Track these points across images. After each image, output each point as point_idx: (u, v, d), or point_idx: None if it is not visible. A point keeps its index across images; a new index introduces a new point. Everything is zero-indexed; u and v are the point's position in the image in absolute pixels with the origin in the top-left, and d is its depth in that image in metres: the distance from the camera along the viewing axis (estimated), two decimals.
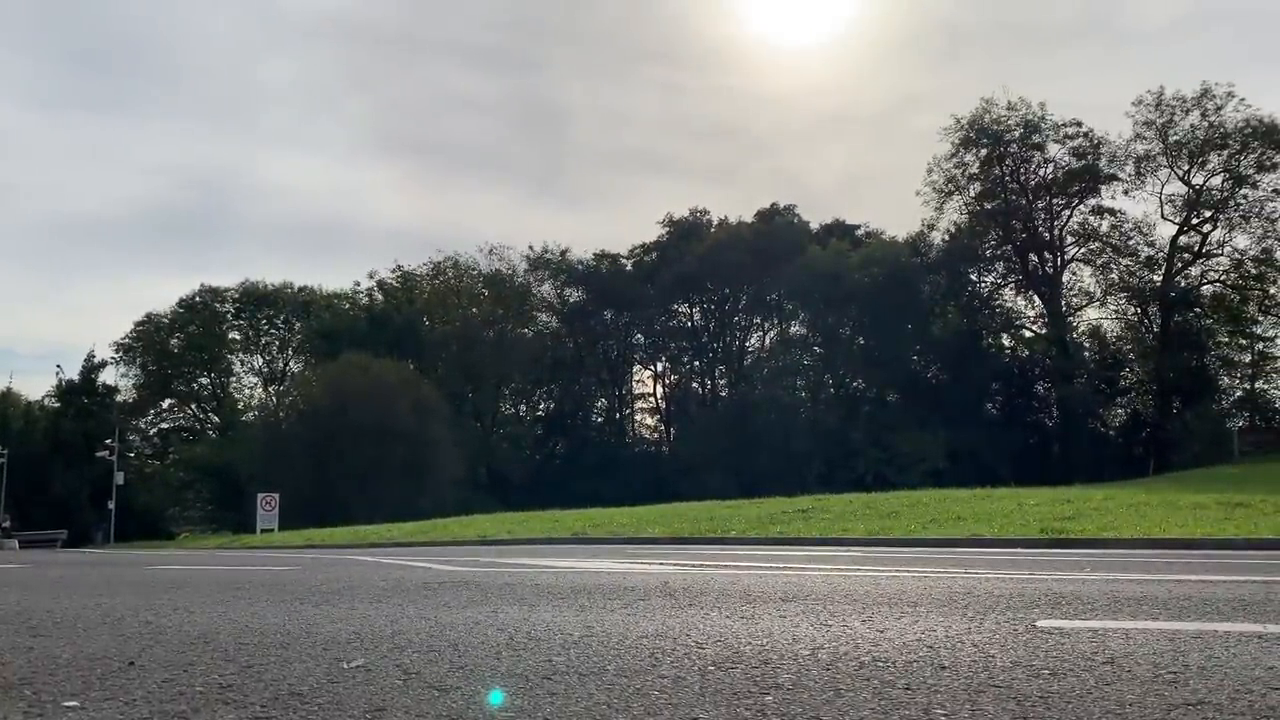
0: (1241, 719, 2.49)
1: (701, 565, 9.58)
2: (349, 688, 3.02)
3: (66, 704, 2.87)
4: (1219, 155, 52.99)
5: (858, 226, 67.41)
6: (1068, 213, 57.95)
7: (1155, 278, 56.35)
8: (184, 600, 6.27)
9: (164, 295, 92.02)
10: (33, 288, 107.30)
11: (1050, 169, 57.29)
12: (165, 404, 71.98)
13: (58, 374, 63.40)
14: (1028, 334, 60.87)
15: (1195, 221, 55.00)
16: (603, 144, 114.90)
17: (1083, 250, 58.37)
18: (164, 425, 72.64)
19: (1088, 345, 59.61)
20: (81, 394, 62.02)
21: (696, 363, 69.54)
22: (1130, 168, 55.34)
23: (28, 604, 6.21)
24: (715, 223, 68.04)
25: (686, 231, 67.16)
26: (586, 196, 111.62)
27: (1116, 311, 59.56)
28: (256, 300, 71.17)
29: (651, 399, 71.49)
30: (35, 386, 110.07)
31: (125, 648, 3.99)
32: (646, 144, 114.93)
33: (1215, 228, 54.74)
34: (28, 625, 4.89)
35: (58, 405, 62.67)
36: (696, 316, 68.76)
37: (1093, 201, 57.19)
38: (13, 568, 12.73)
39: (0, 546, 38.78)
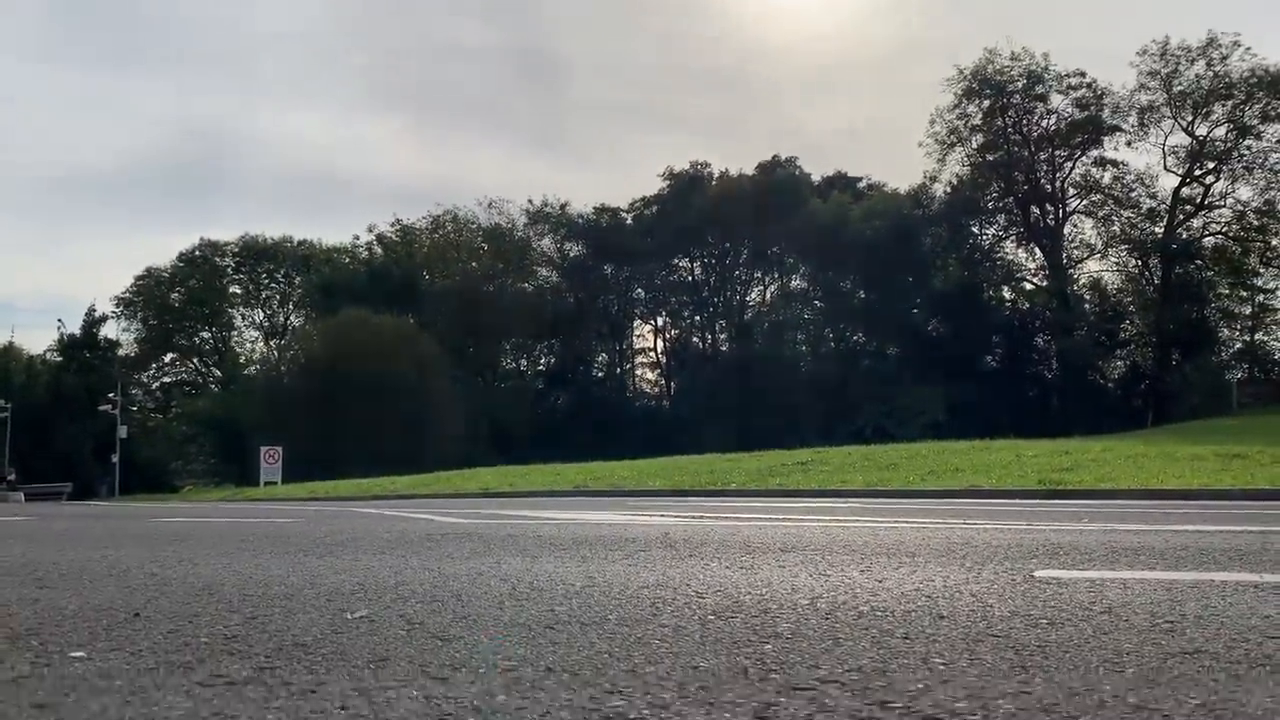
0: (1238, 667, 2.51)
1: (701, 517, 9.64)
2: (353, 638, 3.05)
3: (73, 654, 2.90)
4: (1223, 106, 52.54)
5: (859, 179, 67.03)
6: (1070, 164, 57.62)
7: (1157, 230, 56.13)
8: (188, 552, 6.32)
9: (164, 249, 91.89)
10: (33, 242, 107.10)
11: (1053, 120, 56.90)
12: (167, 358, 72.14)
13: (59, 328, 63.54)
14: (1028, 287, 60.82)
15: (1198, 173, 54.67)
16: (602, 96, 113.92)
17: (1084, 202, 58.16)
18: (166, 379, 72.86)
19: (1088, 298, 59.53)
20: (83, 348, 62.10)
21: (697, 317, 69.44)
22: (1133, 119, 54.98)
23: (33, 556, 6.26)
24: (716, 176, 67.55)
25: (687, 185, 66.69)
26: (586, 149, 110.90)
27: (1117, 264, 59.51)
28: (256, 254, 71.01)
29: (652, 353, 71.58)
30: (37, 341, 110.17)
31: (131, 599, 4.02)
32: (647, 96, 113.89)
33: (1218, 179, 54.49)
34: (34, 577, 4.93)
35: (60, 359, 62.80)
36: (697, 271, 68.54)
37: (1095, 153, 56.90)
38: (18, 520, 12.82)
39: (5, 499, 39.04)
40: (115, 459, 51.07)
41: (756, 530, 7.39)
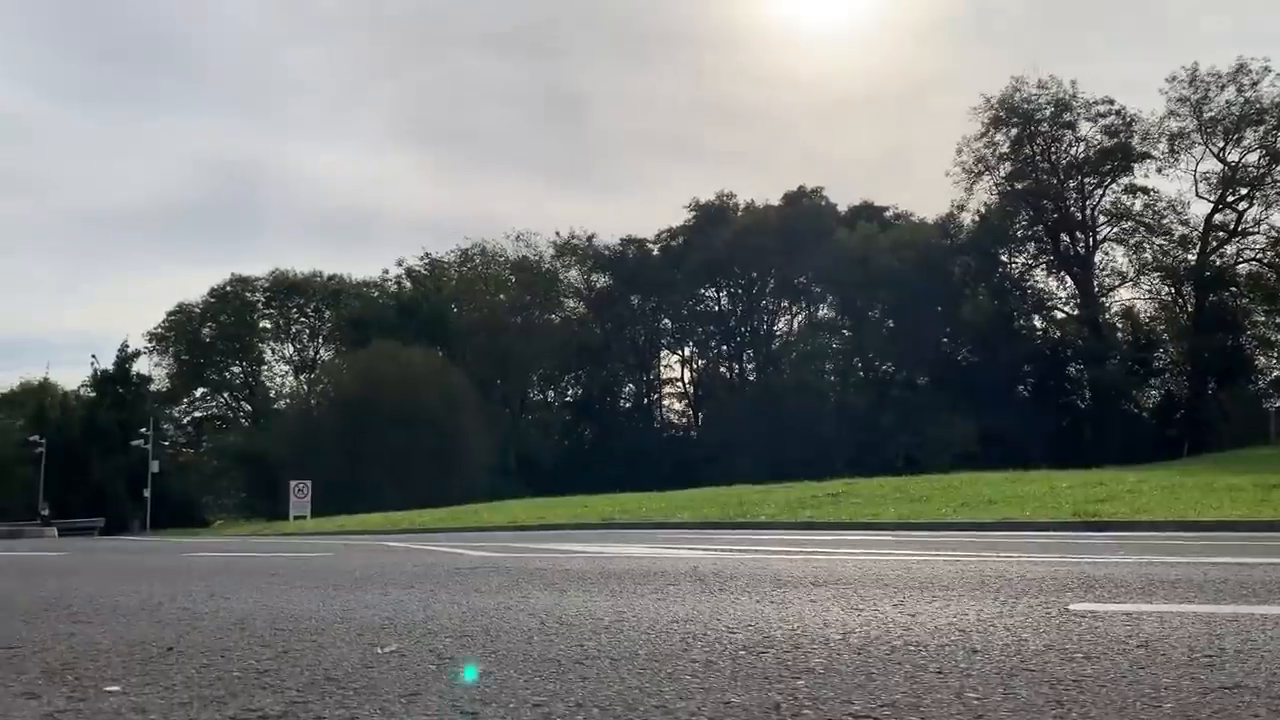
0: (1279, 703, 2.47)
1: (731, 550, 9.59)
2: (384, 672, 3.06)
3: (108, 689, 2.92)
4: (1255, 131, 52.13)
5: (886, 208, 66.87)
6: (1100, 192, 57.29)
7: (1189, 257, 55.62)
8: (219, 587, 6.35)
9: (196, 285, 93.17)
10: (67, 279, 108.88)
11: (1082, 147, 56.67)
12: (198, 393, 72.87)
13: (92, 364, 64.33)
14: (1059, 315, 60.29)
15: (1231, 199, 54.17)
16: (628, 129, 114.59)
17: (1115, 230, 57.72)
18: (197, 414, 73.56)
19: (1121, 326, 58.96)
20: (116, 383, 62.80)
21: (724, 347, 69.38)
22: (1164, 145, 54.65)
23: (67, 591, 6.32)
24: (742, 206, 67.77)
25: (713, 215, 66.89)
26: (612, 182, 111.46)
27: (1150, 291, 58.95)
28: (287, 289, 71.79)
29: (679, 384, 71.53)
30: (71, 377, 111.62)
31: (163, 634, 4.05)
32: (672, 128, 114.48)
33: (1251, 205, 53.93)
34: (68, 612, 4.98)
35: (93, 395, 63.53)
36: (724, 301, 68.58)
37: (1125, 180, 56.53)
38: (51, 555, 12.95)
39: (39, 535, 39.41)
40: (147, 494, 51.51)
41: (787, 563, 7.35)
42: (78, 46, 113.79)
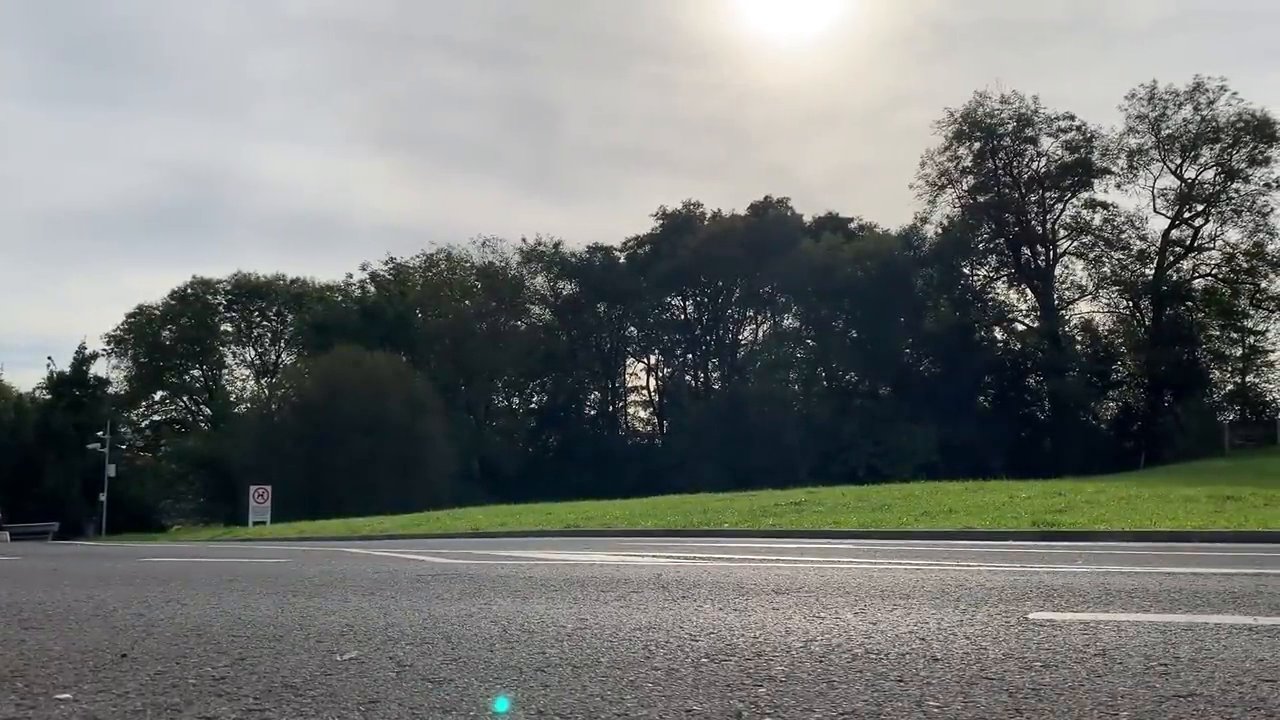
0: (1232, 711, 2.50)
1: (694, 558, 9.59)
2: (343, 680, 3.02)
3: (59, 696, 2.86)
4: (1211, 149, 53.08)
5: (850, 220, 67.37)
6: (1060, 206, 58.01)
7: (1147, 271, 56.45)
8: (176, 593, 6.26)
9: (156, 287, 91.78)
10: (24, 280, 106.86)
11: (1043, 162, 57.31)
12: (157, 396, 71.78)
13: (49, 366, 63.11)
14: (1020, 327, 60.92)
15: (1187, 215, 55.10)
16: (595, 138, 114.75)
17: (1075, 244, 58.47)
18: (156, 417, 72.46)
19: (1080, 339, 59.70)
20: (73, 386, 61.70)
21: (689, 355, 69.48)
22: (1123, 161, 55.43)
23: (19, 596, 6.19)
24: (708, 215, 67.94)
25: (679, 224, 67.05)
26: (579, 190, 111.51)
27: (1108, 305, 59.70)
28: (248, 292, 70.93)
29: (644, 392, 71.51)
30: (26, 379, 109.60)
31: (118, 640, 3.98)
32: (639, 138, 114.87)
33: (1207, 221, 54.88)
34: (19, 618, 4.88)
35: (49, 397, 62.35)
36: (689, 309, 68.68)
37: (1085, 195, 57.24)
38: (3, 560, 12.70)
39: None
40: (103, 498, 50.65)
41: (750, 571, 7.36)
42: (39, 46, 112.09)
